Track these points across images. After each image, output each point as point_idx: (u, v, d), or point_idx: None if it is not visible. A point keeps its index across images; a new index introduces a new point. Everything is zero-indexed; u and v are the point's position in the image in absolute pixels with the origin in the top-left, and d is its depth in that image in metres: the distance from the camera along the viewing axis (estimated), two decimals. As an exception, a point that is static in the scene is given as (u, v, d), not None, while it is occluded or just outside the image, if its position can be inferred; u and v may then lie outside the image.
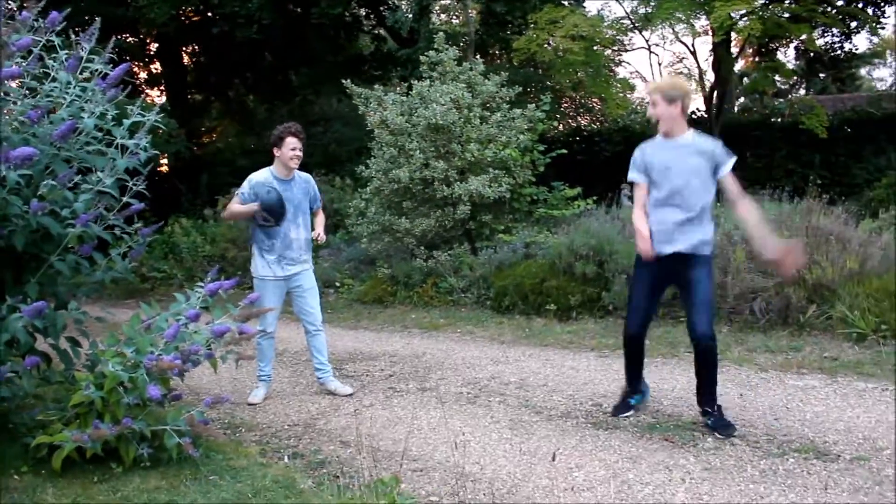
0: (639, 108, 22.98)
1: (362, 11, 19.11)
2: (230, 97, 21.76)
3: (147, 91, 20.52)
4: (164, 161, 17.73)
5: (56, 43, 4.06)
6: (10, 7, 3.97)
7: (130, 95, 4.44)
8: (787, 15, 13.75)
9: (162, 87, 20.71)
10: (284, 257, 5.09)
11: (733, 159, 4.16)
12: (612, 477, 3.58)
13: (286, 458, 4.06)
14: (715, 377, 4.19)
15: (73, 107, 4.02)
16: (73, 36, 4.16)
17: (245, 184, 5.07)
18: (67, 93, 4.03)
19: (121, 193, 4.14)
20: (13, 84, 3.84)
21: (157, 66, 20.86)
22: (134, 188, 4.18)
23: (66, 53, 4.09)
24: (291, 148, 5.03)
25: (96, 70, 4.14)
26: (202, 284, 3.95)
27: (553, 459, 3.71)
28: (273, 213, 4.97)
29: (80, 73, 4.11)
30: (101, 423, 3.54)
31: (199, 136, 21.71)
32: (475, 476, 3.68)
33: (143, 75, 20.47)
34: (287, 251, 5.09)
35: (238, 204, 5.05)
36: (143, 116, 4.18)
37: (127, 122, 4.14)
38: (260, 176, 5.09)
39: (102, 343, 4.05)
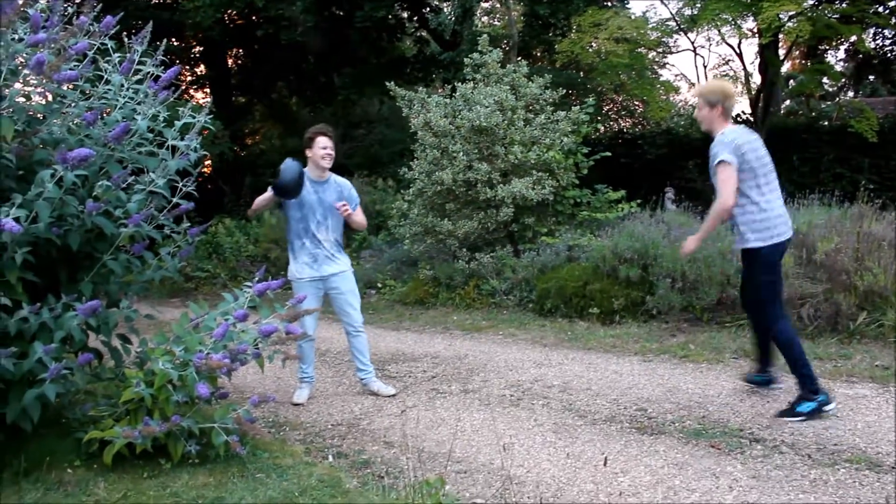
0: (682, 110, 22.75)
1: (405, 14, 19.20)
2: (273, 99, 22.00)
3: (192, 93, 20.84)
4: (208, 162, 17.99)
5: (109, 46, 4.14)
6: (66, 11, 4.05)
7: (178, 98, 4.51)
8: (837, 16, 13.50)
9: (207, 90, 21.01)
10: (317, 258, 5.14)
11: (720, 156, 4.32)
12: (657, 483, 3.55)
13: (331, 457, 4.10)
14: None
15: (126, 109, 4.09)
16: (125, 40, 4.23)
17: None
18: (121, 95, 4.10)
19: (171, 194, 4.20)
20: (68, 87, 3.92)
21: (201, 69, 21.18)
22: (184, 188, 4.23)
23: (119, 56, 4.16)
24: (322, 147, 5.10)
25: (148, 73, 4.21)
26: (250, 284, 3.99)
27: (605, 464, 3.69)
28: (288, 180, 4.90)
29: (133, 76, 4.18)
30: (151, 419, 3.59)
31: (243, 138, 21.98)
32: (520, 479, 3.67)
33: (188, 78, 20.79)
34: (318, 251, 5.13)
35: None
36: (194, 118, 4.24)
37: (178, 124, 4.20)
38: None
39: (152, 341, 4.11)
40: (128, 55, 4.14)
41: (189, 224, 4.42)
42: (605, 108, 22.25)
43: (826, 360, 5.63)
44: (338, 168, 14.27)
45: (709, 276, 6.90)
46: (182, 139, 4.20)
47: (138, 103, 4.15)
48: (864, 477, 3.52)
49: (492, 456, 3.97)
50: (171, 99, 4.28)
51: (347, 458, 4.09)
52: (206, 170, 18.45)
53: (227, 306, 3.98)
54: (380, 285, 9.92)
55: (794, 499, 3.32)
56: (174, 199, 4.22)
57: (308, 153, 5.17)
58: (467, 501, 3.45)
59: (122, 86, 4.13)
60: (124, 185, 3.89)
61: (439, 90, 9.87)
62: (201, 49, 20.12)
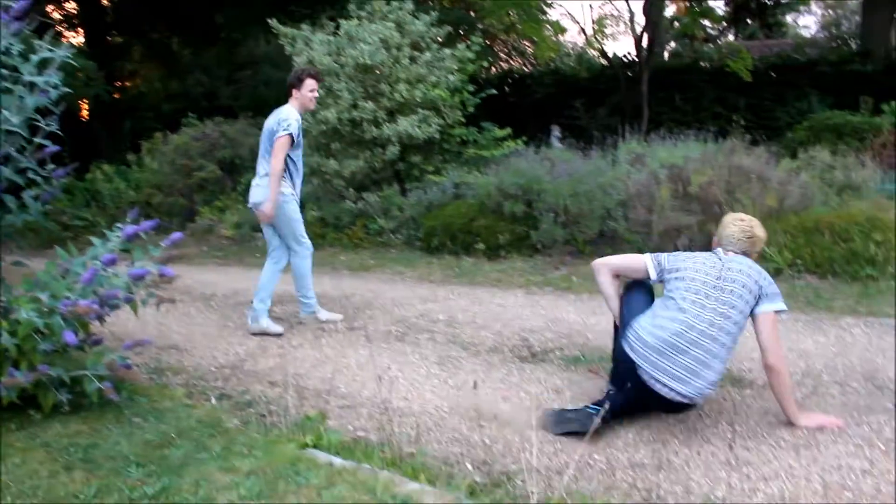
0: (571, 51, 23.03)
1: (289, -52, 18.52)
2: (153, 39, 20.95)
3: (63, 32, 19.61)
4: (85, 106, 17.13)
5: (-46, -27, 3.82)
6: None
7: (54, 39, 4.22)
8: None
9: (79, 29, 19.81)
10: (297, 185, 5.45)
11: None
12: (536, 407, 3.65)
13: (213, 399, 4.03)
14: None
15: (-27, 41, 3.81)
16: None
17: (294, 122, 5.23)
18: (-33, 26, 3.81)
19: (33, 134, 3.96)
20: None
21: (73, 6, 19.92)
22: (46, 129, 3.99)
23: (-35, -15, 3.86)
24: (310, 90, 5.36)
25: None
26: (120, 226, 3.83)
27: (474, 387, 3.77)
28: None
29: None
30: (17, 370, 3.44)
31: (121, 80, 20.91)
32: (402, 410, 3.71)
33: (55, 14, 19.49)
34: (298, 180, 5.47)
35: (287, 138, 5.19)
36: (52, 52, 3.98)
37: (35, 58, 3.94)
38: (295, 114, 5.29)
39: (17, 289, 3.91)
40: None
41: (55, 166, 4.19)
42: (497, 49, 22.25)
43: (699, 287, 5.88)
44: (224, 110, 13.78)
45: (590, 210, 7.08)
46: (40, 75, 3.95)
47: (-12, 36, 3.86)
48: (727, 392, 3.74)
49: (376, 390, 3.99)
50: (28, 32, 4.00)
51: (230, 399, 4.04)
52: (83, 114, 17.57)
53: (96, 251, 3.82)
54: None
55: (661, 413, 3.48)
56: (36, 140, 3.98)
57: (295, 93, 5.34)
58: (350, 435, 3.47)
59: (-31, 17, 3.83)
60: (-25, 124, 3.64)
61: (324, 28, 9.62)
62: (71, -16, 18.94)
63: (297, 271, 5.50)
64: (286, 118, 5.22)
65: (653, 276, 3.56)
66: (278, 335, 5.22)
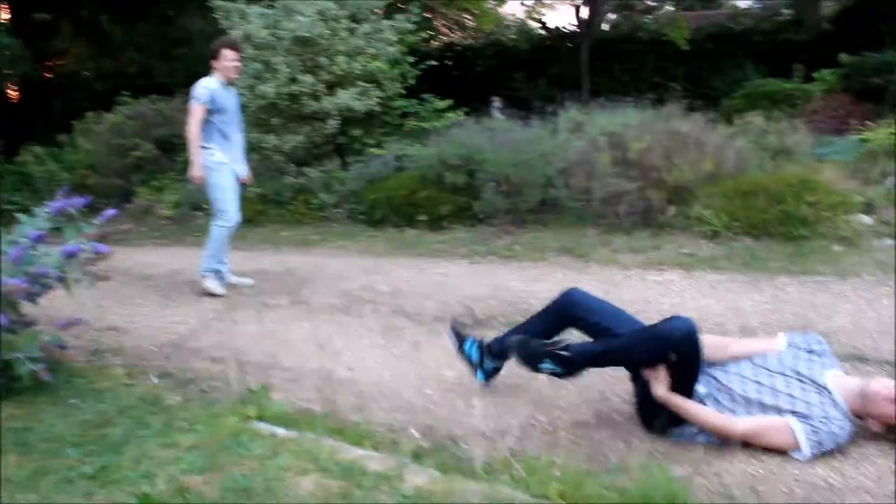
0: (512, 24, 23.04)
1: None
2: (81, 16, 20.26)
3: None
4: (14, 88, 16.57)
5: None
6: None
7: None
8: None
9: (3, 5, 19.06)
10: (231, 154, 5.65)
11: None
12: (480, 373, 3.67)
13: (154, 378, 3.96)
14: None
15: None
16: None
17: (203, 90, 5.42)
18: None
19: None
20: None
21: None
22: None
23: None
24: (228, 60, 5.53)
25: None
26: (48, 204, 3.72)
27: (415, 349, 3.78)
28: None
29: None
30: (-55, 354, 3.33)
31: (51, 59, 20.22)
32: (346, 381, 3.71)
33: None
34: (230, 151, 5.65)
35: (199, 107, 5.40)
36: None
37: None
38: (212, 83, 5.48)
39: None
40: None
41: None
42: (437, 23, 22.14)
43: (639, 251, 5.99)
44: (159, 88, 13.42)
45: (532, 179, 7.10)
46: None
47: None
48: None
49: (321, 362, 3.97)
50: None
51: (172, 377, 3.97)
52: (12, 95, 17.01)
53: (22, 229, 3.70)
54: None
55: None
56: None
57: (215, 64, 5.54)
58: (294, 406, 3.45)
59: None
60: None
61: (260, 1, 9.41)
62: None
63: (212, 237, 5.67)
64: (195, 87, 5.45)
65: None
66: (220, 296, 5.53)
